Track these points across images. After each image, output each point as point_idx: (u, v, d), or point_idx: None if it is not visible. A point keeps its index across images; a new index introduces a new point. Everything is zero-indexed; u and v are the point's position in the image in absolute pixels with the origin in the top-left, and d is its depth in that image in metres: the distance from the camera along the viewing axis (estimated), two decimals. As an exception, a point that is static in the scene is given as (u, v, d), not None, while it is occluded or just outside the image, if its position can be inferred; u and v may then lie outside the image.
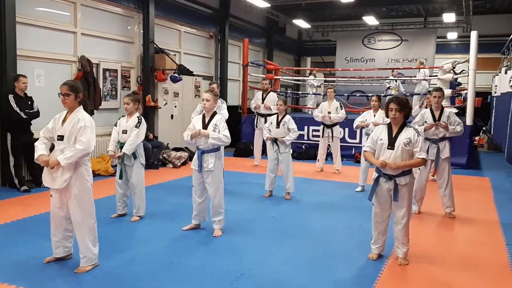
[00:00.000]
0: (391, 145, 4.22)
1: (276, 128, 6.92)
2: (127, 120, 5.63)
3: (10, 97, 6.89)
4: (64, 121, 3.94)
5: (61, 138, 3.90)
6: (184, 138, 5.09)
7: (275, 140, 6.88)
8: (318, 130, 11.33)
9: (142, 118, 5.66)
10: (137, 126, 5.53)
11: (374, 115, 7.34)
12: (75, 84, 4.11)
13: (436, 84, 11.83)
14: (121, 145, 5.57)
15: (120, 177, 5.63)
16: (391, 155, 4.19)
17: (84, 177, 3.96)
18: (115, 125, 5.72)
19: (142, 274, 3.99)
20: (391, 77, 13.42)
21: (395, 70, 13.57)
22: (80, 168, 3.93)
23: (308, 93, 14.99)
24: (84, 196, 3.97)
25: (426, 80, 12.80)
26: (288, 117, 7.00)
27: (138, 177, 5.64)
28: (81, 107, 4.02)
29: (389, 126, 4.33)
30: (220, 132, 5.00)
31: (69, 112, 3.97)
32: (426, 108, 8.15)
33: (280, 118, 6.98)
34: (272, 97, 10.02)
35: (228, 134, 5.03)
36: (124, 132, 5.55)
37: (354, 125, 7.72)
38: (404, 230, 4.34)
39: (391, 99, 4.28)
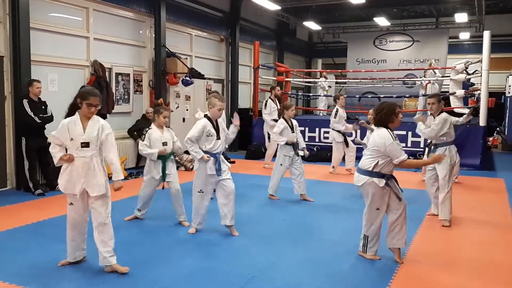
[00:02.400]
0: None
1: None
2: (163, 132, 5.63)
3: (25, 101, 6.98)
4: (84, 128, 3.96)
5: (86, 145, 3.93)
6: (194, 155, 5.13)
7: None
8: (329, 133, 11.36)
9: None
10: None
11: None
12: (98, 92, 4.14)
13: (448, 85, 11.75)
14: (165, 157, 5.58)
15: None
16: None
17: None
18: (143, 139, 5.63)
19: (155, 277, 4.01)
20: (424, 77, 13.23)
21: (428, 71, 13.38)
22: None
23: (320, 95, 14.95)
24: (108, 197, 4.08)
25: (433, 81, 12.50)
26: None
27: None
28: None
29: None
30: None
31: (86, 119, 3.99)
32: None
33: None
34: None
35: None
36: (165, 144, 5.58)
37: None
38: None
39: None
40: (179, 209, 5.64)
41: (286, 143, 6.91)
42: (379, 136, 4.26)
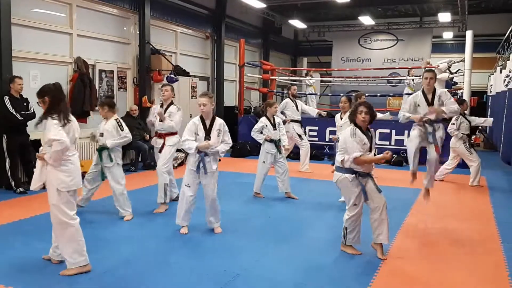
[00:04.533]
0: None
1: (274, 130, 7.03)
2: (105, 123, 5.79)
3: (6, 98, 6.88)
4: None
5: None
6: (186, 149, 5.07)
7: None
8: (315, 130, 11.41)
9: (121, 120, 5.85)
10: (121, 129, 5.71)
11: (341, 118, 6.82)
12: (42, 88, 4.13)
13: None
14: (98, 148, 5.72)
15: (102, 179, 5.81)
16: None
17: None
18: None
19: (137, 275, 3.99)
20: (408, 77, 13.28)
21: (413, 69, 13.46)
22: None
23: (305, 93, 15.00)
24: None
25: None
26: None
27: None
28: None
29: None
30: (223, 137, 5.19)
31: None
32: None
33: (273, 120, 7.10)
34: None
35: (230, 140, 5.27)
36: (101, 134, 5.71)
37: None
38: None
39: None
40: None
41: (268, 140, 6.94)
42: (343, 133, 4.55)
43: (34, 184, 3.95)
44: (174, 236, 5.12)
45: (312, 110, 10.11)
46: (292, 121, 9.35)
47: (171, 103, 6.28)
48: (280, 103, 9.82)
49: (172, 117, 6.18)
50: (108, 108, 5.79)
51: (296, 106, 9.49)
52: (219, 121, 5.19)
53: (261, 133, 6.97)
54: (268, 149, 6.98)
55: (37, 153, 4.00)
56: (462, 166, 9.58)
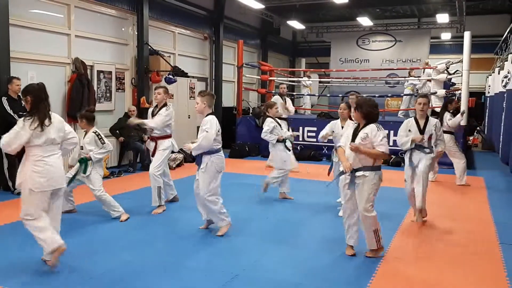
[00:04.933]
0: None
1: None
2: (83, 136, 5.74)
3: (4, 99, 6.86)
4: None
5: None
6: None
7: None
8: (314, 131, 11.41)
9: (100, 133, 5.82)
10: (102, 142, 5.68)
11: (342, 126, 6.18)
12: (25, 87, 4.15)
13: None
14: (79, 160, 5.64)
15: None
16: None
17: None
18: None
19: (136, 276, 3.98)
20: (411, 78, 13.28)
21: (414, 70, 13.45)
22: None
23: (303, 94, 15.01)
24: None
25: (430, 80, 12.50)
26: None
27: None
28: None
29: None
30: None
31: None
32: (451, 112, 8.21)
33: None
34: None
35: (205, 135, 4.91)
36: (81, 148, 5.66)
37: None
38: None
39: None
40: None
41: (280, 141, 6.93)
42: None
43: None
44: (172, 237, 5.12)
45: (292, 109, 10.54)
46: (280, 118, 9.50)
47: (165, 105, 6.20)
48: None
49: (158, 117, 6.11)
50: (86, 121, 5.77)
51: (286, 103, 9.93)
52: (205, 118, 5.06)
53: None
54: (281, 149, 6.95)
55: None
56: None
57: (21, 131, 3.89)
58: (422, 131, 5.64)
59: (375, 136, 4.36)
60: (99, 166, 5.76)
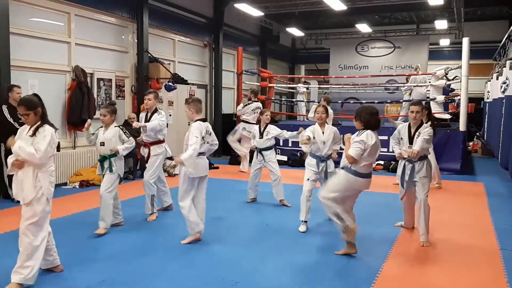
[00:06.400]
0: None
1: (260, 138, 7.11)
2: (104, 132, 5.53)
3: (4, 107, 6.88)
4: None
5: None
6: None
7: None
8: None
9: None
10: (128, 136, 5.53)
11: (323, 132, 5.79)
12: (31, 100, 4.03)
13: (429, 91, 11.92)
14: (100, 158, 5.47)
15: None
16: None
17: None
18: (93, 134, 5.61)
19: (134, 284, 3.98)
20: (408, 84, 13.32)
21: (411, 77, 13.48)
22: None
23: (302, 100, 15.04)
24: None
25: (420, 86, 12.55)
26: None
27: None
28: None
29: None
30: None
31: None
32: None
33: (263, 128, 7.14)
34: None
35: (194, 147, 4.82)
36: (102, 144, 5.46)
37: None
38: None
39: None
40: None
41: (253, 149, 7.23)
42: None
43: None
44: (170, 244, 5.10)
45: None
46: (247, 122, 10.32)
47: (156, 111, 6.19)
48: (273, 109, 10.07)
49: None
50: (114, 114, 5.57)
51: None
52: (193, 124, 5.03)
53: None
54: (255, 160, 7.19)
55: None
56: (459, 172, 9.62)
57: (56, 139, 3.95)
58: (411, 140, 5.31)
59: (352, 139, 4.53)
60: (120, 163, 5.52)
